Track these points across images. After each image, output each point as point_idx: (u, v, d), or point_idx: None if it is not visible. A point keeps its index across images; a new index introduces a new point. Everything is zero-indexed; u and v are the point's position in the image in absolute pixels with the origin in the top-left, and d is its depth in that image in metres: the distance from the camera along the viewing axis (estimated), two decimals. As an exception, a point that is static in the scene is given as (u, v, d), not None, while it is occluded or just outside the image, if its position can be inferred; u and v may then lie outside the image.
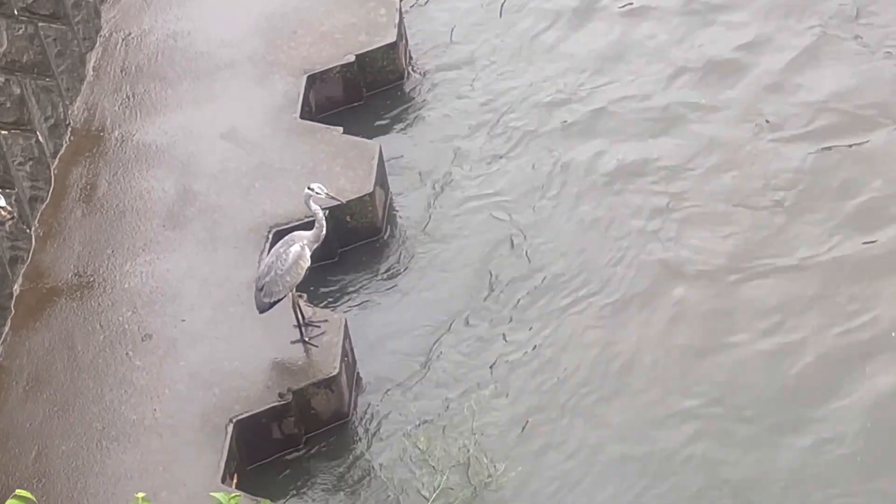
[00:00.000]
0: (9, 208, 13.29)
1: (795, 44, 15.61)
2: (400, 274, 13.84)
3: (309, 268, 12.28)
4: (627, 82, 15.50)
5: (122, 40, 15.81)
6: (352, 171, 14.00)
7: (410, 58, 16.02)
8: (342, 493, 12.18)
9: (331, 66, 15.22)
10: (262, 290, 12.23)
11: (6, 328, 12.99)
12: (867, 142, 14.44)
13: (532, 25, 16.40)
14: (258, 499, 11.37)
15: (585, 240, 13.89)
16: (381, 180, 14.18)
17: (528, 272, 13.62)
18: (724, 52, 15.69)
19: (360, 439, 12.50)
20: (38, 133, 14.17)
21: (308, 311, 12.69)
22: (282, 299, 12.26)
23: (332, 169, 14.00)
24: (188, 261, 13.36)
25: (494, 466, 11.97)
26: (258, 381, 12.30)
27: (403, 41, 15.82)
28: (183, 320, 12.85)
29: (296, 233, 12.41)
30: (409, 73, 15.83)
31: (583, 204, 14.25)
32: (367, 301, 13.63)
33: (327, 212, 12.59)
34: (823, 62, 15.38)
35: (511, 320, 13.24)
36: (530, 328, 13.14)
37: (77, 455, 11.94)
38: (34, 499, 6.90)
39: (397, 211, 14.44)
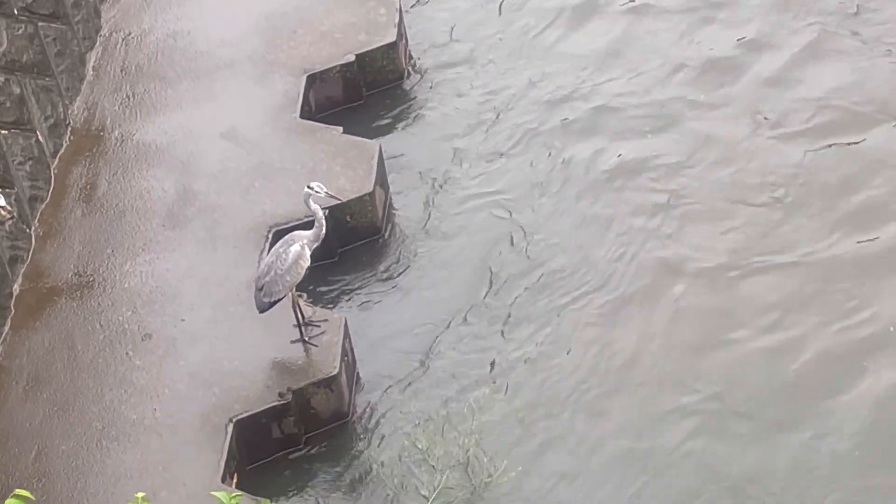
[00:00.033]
0: (9, 208, 13.28)
1: (795, 41, 15.63)
2: (400, 273, 13.84)
3: (309, 267, 12.28)
4: (627, 80, 15.52)
5: (122, 40, 15.81)
6: (352, 170, 14.00)
7: (410, 57, 16.02)
8: (342, 492, 12.18)
9: (331, 65, 15.22)
10: (261, 289, 12.23)
11: (6, 328, 12.99)
12: (867, 139, 14.45)
13: (532, 24, 16.40)
14: (258, 498, 11.36)
15: (585, 237, 13.89)
16: (381, 180, 14.18)
17: (529, 271, 13.62)
18: (725, 49, 15.71)
19: (359, 439, 12.50)
20: (37, 133, 14.16)
21: (308, 310, 12.69)
22: (282, 299, 12.26)
23: (332, 168, 14.00)
24: (188, 260, 13.36)
25: (494, 466, 11.97)
26: (258, 380, 12.30)
27: (403, 41, 15.82)
28: (183, 320, 12.85)
29: (296, 232, 12.41)
30: (409, 72, 15.83)
31: (583, 202, 14.26)
32: (366, 300, 13.63)
33: (327, 211, 12.59)
34: (823, 59, 15.40)
35: (511, 319, 13.24)
36: (530, 327, 13.14)
37: (77, 455, 11.94)
38: (33, 498, 6.90)
39: (397, 210, 14.44)
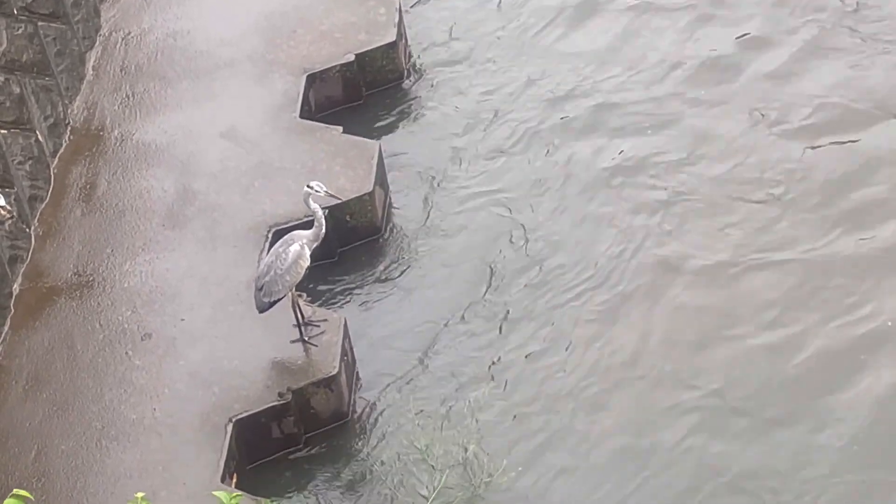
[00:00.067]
0: (8, 207, 13.28)
1: (795, 38, 15.66)
2: (400, 273, 13.84)
3: (308, 267, 12.28)
4: (627, 78, 15.54)
5: (122, 39, 15.81)
6: (351, 170, 14.00)
7: (410, 57, 16.02)
8: (342, 492, 12.17)
9: (330, 65, 15.23)
10: (261, 289, 12.23)
11: (6, 327, 12.99)
12: (866, 136, 14.48)
13: (531, 23, 16.42)
14: (258, 498, 11.36)
15: (585, 235, 13.91)
16: (381, 179, 14.18)
17: (529, 269, 13.63)
18: (724, 46, 15.74)
19: (359, 438, 12.49)
20: (37, 132, 14.16)
21: (308, 310, 12.68)
22: (281, 299, 12.26)
23: (332, 168, 14.00)
24: (188, 260, 13.36)
25: (494, 465, 11.97)
26: (258, 380, 12.30)
27: (403, 40, 15.82)
28: (182, 319, 12.85)
29: (295, 232, 12.41)
30: (408, 72, 15.84)
31: (583, 199, 14.27)
32: (366, 300, 13.63)
33: (327, 211, 12.59)
34: (823, 57, 15.43)
35: (511, 317, 13.24)
36: (530, 325, 13.15)
37: (76, 454, 11.94)
38: (32, 498, 6.90)
39: (397, 210, 14.44)
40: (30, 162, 13.92)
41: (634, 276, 13.43)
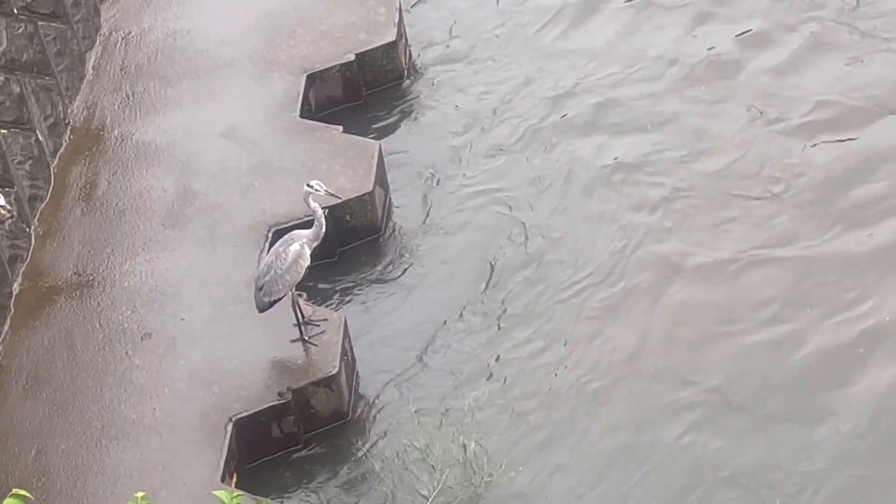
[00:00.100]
0: (8, 207, 13.28)
1: (795, 36, 15.67)
2: (400, 272, 13.84)
3: (308, 266, 12.28)
4: (627, 75, 15.54)
5: (122, 39, 15.81)
6: (351, 170, 13.99)
7: (410, 56, 16.02)
8: (342, 491, 12.17)
9: (330, 64, 15.22)
10: (261, 289, 12.23)
11: (6, 327, 12.99)
12: (866, 133, 14.49)
13: (531, 22, 16.42)
14: (258, 498, 11.36)
15: (585, 233, 13.91)
16: (381, 179, 14.18)
17: (529, 269, 13.63)
18: (724, 44, 15.74)
19: (359, 438, 12.49)
20: (37, 132, 14.16)
21: (308, 309, 12.68)
22: (281, 298, 12.25)
23: (332, 168, 13.99)
24: (188, 259, 13.36)
25: (494, 464, 11.96)
26: (258, 379, 12.30)
27: (403, 40, 15.82)
28: (182, 319, 12.84)
29: (295, 231, 12.41)
30: (408, 71, 15.83)
31: (583, 197, 14.28)
32: (366, 300, 13.63)
33: (327, 210, 12.59)
34: (823, 54, 15.45)
35: (511, 316, 13.24)
36: (530, 323, 13.15)
37: (76, 454, 11.94)
38: (32, 497, 6.90)
39: (397, 209, 14.44)
40: (30, 161, 13.92)
41: (634, 273, 13.44)
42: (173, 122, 14.74)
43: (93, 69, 15.45)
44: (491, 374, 12.80)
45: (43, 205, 14.00)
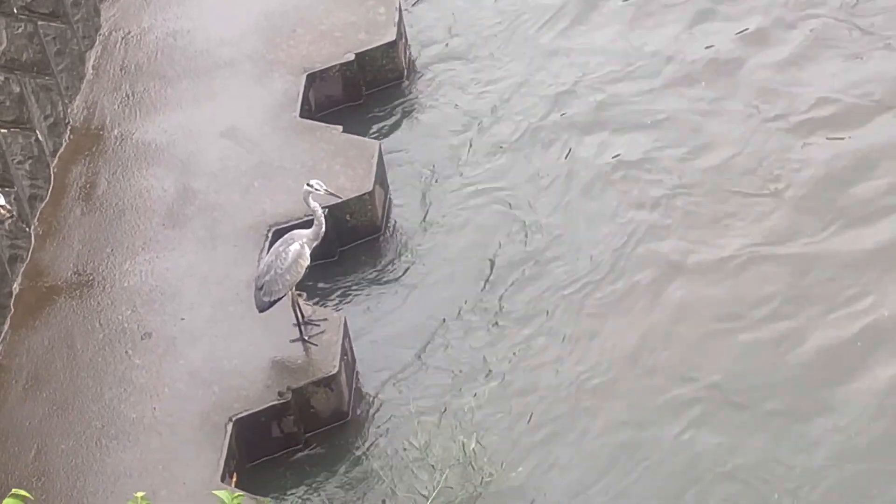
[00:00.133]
0: (8, 207, 13.29)
1: (795, 34, 15.68)
2: (400, 272, 13.84)
3: (308, 266, 12.28)
4: (627, 74, 15.54)
5: (122, 39, 15.81)
6: (351, 169, 13.99)
7: (410, 56, 16.02)
8: (342, 491, 12.17)
9: (330, 64, 15.22)
10: (261, 288, 12.22)
11: (6, 327, 12.99)
12: (867, 130, 14.50)
13: (531, 21, 16.42)
14: (258, 498, 11.36)
15: (586, 231, 13.92)
16: (381, 179, 14.18)
17: (529, 267, 13.63)
18: (725, 42, 15.76)
19: (359, 438, 12.49)
20: (37, 132, 14.17)
21: (308, 309, 12.68)
22: (281, 298, 12.25)
23: (332, 167, 13.99)
24: (188, 259, 13.36)
25: (494, 463, 11.96)
26: (258, 379, 12.30)
27: (403, 40, 15.82)
28: (182, 319, 12.85)
29: (295, 231, 12.41)
30: (408, 71, 15.83)
31: (584, 195, 14.28)
32: (366, 300, 13.62)
33: (326, 210, 12.59)
34: (824, 52, 15.45)
35: (512, 315, 13.24)
36: (530, 323, 13.15)
37: (76, 453, 11.94)
38: (32, 497, 6.90)
39: (397, 209, 14.44)
40: (30, 161, 13.92)
41: (634, 271, 13.45)
42: (173, 122, 14.74)
43: (93, 69, 15.46)
44: (491, 373, 12.80)
45: (43, 204, 14.00)
